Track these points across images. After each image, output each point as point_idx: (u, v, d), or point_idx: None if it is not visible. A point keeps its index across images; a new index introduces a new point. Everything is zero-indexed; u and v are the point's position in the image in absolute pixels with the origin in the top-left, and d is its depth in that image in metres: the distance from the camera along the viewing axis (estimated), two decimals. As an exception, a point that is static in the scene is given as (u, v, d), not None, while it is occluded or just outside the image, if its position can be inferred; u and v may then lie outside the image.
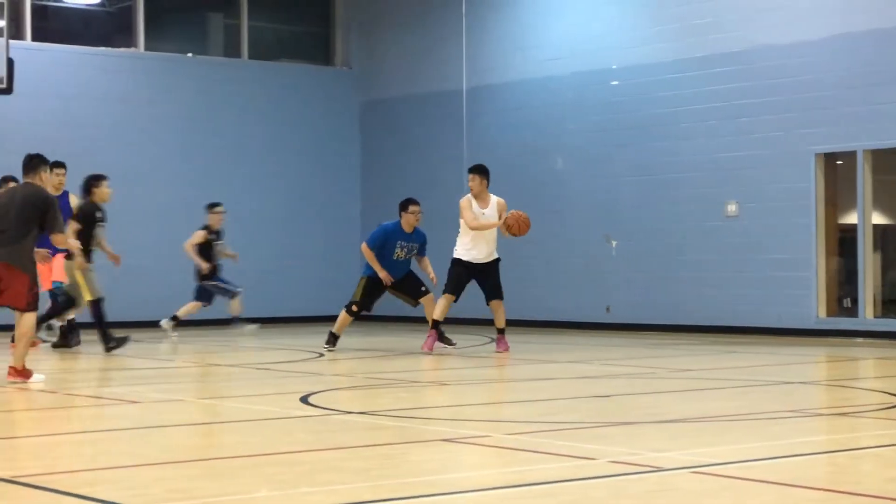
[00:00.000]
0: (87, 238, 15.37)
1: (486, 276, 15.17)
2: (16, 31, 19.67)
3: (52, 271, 16.03)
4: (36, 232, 11.88)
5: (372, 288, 15.38)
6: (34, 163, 12.24)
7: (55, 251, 15.75)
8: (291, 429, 8.87)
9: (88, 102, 20.97)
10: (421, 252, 15.60)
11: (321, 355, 15.00)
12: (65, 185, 16.29)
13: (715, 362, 14.38)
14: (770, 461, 7.14)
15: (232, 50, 23.00)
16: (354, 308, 15.35)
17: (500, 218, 15.01)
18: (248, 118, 22.38)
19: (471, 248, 15.08)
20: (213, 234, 18.37)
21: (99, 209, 15.55)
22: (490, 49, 21.76)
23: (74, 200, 16.16)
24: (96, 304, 15.35)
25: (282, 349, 16.24)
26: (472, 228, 14.94)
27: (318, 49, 24.17)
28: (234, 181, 22.00)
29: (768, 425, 8.91)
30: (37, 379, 11.82)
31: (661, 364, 14.02)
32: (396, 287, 15.53)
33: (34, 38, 20.68)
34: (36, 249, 12.00)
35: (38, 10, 20.95)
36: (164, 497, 6.14)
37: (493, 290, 15.19)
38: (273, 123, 22.65)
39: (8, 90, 16.90)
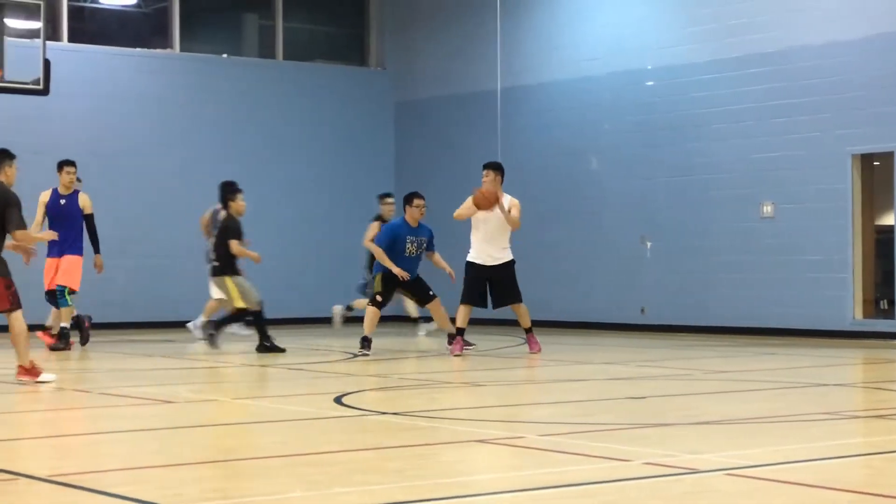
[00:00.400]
0: (228, 249, 15.28)
1: (498, 279, 15.04)
2: (52, 33, 19.77)
3: (58, 272, 15.81)
4: (1, 232, 11.53)
5: (389, 283, 15.29)
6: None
7: (61, 254, 15.71)
8: (325, 429, 8.87)
9: (124, 103, 21.06)
10: (430, 247, 15.52)
11: (355, 356, 15.01)
12: (75, 183, 16.02)
13: (750, 364, 14.31)
14: (806, 463, 7.10)
15: (267, 51, 23.06)
16: (379, 299, 15.23)
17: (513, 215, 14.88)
18: (282, 119, 22.43)
19: (476, 248, 15.02)
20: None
21: (237, 222, 15.40)
22: (525, 49, 21.74)
23: (85, 200, 16.01)
24: (248, 312, 15.26)
25: (316, 350, 16.25)
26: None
27: (352, 49, 24.20)
28: (268, 182, 22.04)
29: (804, 427, 8.86)
30: (46, 378, 11.74)
31: (696, 365, 13.96)
32: (407, 287, 15.46)
33: (70, 40, 20.79)
34: (16, 242, 11.61)
35: (74, 12, 21.05)
36: (199, 497, 6.15)
37: (505, 295, 15.09)
38: (307, 124, 22.69)
39: (45, 91, 16.97)
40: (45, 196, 15.99)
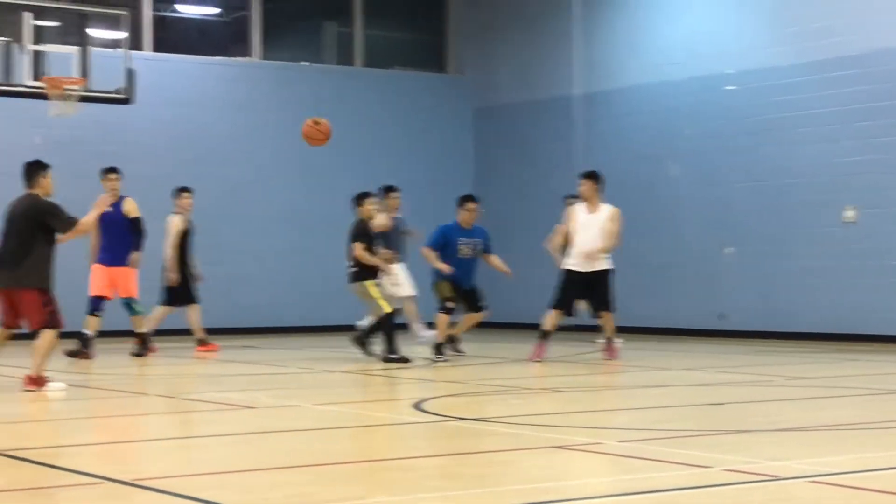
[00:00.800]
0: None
1: (593, 287, 15.07)
2: (136, 43, 20.00)
3: (117, 286, 15.76)
4: (43, 244, 11.57)
5: (453, 288, 15.41)
6: (32, 170, 11.86)
7: (113, 263, 15.65)
8: (405, 435, 8.91)
9: (206, 111, 21.27)
10: (486, 250, 15.60)
11: (434, 362, 15.04)
12: (119, 190, 15.86)
13: (833, 370, 14.17)
14: (891, 471, 7.02)
15: (346, 58, 23.18)
16: (449, 305, 15.36)
17: (614, 225, 14.91)
18: (361, 126, 22.52)
19: (575, 254, 15.04)
20: None
21: (364, 226, 15.40)
22: (604, 54, 21.68)
23: (130, 205, 15.84)
24: (389, 316, 15.13)
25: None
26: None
27: (431, 56, 24.26)
28: (347, 189, 22.09)
29: (889, 435, 8.76)
30: (55, 387, 11.70)
31: (777, 371, 13.85)
32: (461, 295, 15.52)
33: (154, 49, 21.03)
34: (79, 233, 11.75)
35: (157, 22, 21.29)
36: (283, 501, 6.20)
37: (600, 303, 15.14)
38: (386, 131, 22.77)
39: (128, 100, 17.18)
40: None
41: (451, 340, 15.86)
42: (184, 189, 16.93)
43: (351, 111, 22.42)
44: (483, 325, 19.15)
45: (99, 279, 15.78)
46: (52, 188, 11.93)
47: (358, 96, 22.58)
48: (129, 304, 15.91)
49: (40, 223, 11.57)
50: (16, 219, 11.66)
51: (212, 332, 18.01)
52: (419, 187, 22.80)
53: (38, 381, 11.67)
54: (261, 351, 17.18)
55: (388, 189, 17.46)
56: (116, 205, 15.72)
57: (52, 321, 11.61)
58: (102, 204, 12.36)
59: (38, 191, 11.82)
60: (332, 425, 9.56)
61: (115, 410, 10.80)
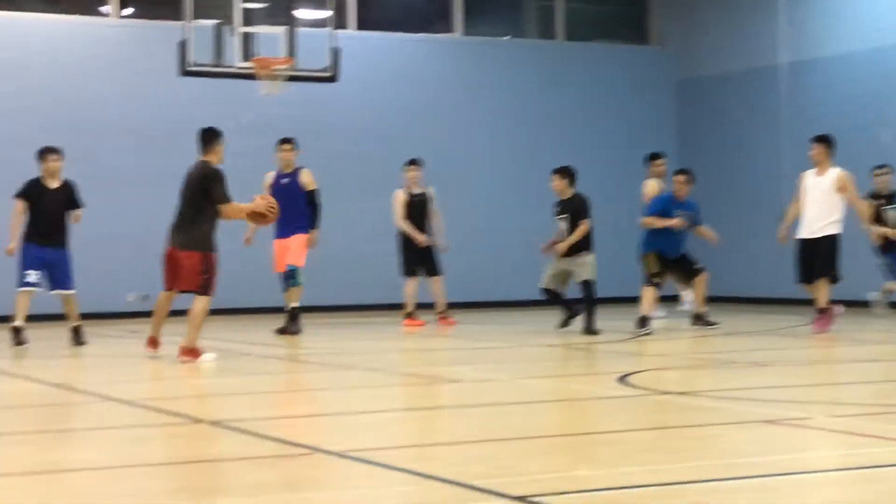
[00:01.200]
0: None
1: (810, 252, 14.75)
2: (340, 21, 20.29)
3: (287, 253, 15.57)
4: (210, 209, 12.03)
5: (661, 261, 15.46)
6: (207, 137, 12.37)
7: (289, 233, 15.42)
8: (610, 409, 8.90)
9: (409, 88, 21.47)
10: (696, 222, 15.72)
11: (639, 336, 14.95)
12: (294, 161, 15.84)
13: None
14: None
15: (547, 32, 23.13)
16: (656, 280, 15.43)
17: (841, 191, 14.62)
18: (563, 100, 22.46)
19: (801, 222, 14.86)
20: (882, 198, 17.42)
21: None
22: (809, 22, 21.19)
23: (307, 176, 15.75)
24: (589, 286, 15.43)
25: (601, 328, 16.23)
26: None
27: (632, 29, 24.05)
28: (550, 163, 22.09)
29: None
30: (207, 358, 12.01)
31: None
32: (673, 265, 15.56)
33: (358, 27, 21.31)
34: (224, 217, 12.10)
35: (361, 0, 21.56)
36: (487, 474, 6.26)
37: (815, 269, 14.73)
38: (588, 104, 22.67)
39: (333, 78, 17.44)
40: (269, 177, 15.91)
41: (699, 318, 15.72)
42: (411, 161, 17.30)
43: (552, 86, 22.39)
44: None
45: (277, 254, 15.74)
46: (223, 157, 12.43)
47: (559, 70, 22.52)
48: (293, 271, 15.49)
49: (204, 189, 12.05)
50: (190, 183, 12.19)
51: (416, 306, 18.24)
52: (620, 162, 22.63)
53: (192, 352, 12.02)
54: (464, 325, 17.30)
55: (412, 162, 17.53)
56: (292, 175, 15.73)
57: (205, 287, 12.04)
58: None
59: (211, 157, 12.30)
60: (535, 399, 9.60)
61: (323, 383, 11.03)
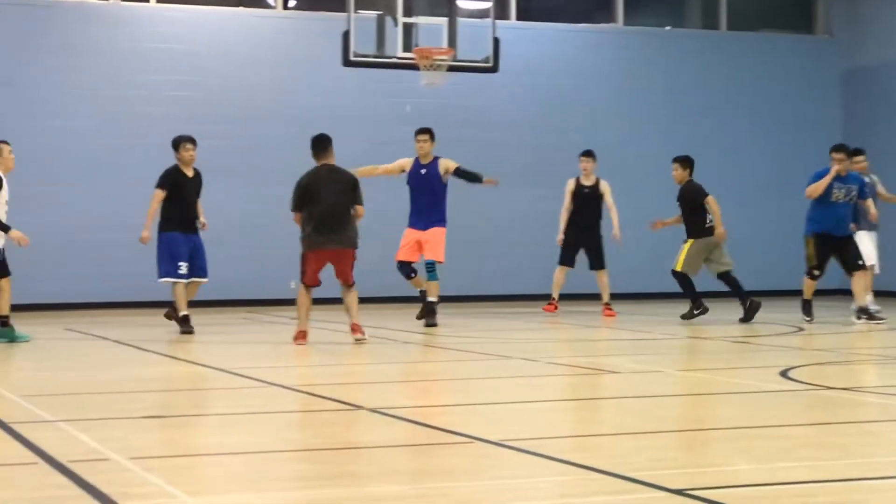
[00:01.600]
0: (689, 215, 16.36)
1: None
2: (501, 12, 20.32)
3: (424, 246, 15.30)
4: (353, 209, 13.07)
5: (821, 246, 15.46)
6: (326, 143, 13.19)
7: (427, 225, 15.26)
8: (770, 403, 8.78)
9: (569, 78, 21.41)
10: (861, 195, 15.67)
11: (801, 329, 14.73)
12: (431, 151, 15.49)
13: None
14: None
15: (710, 21, 22.86)
16: (816, 273, 15.56)
17: None
18: (726, 90, 22.19)
19: None
20: None
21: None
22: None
23: (447, 164, 15.46)
24: (727, 275, 16.15)
25: (761, 322, 16.04)
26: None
27: (798, 17, 23.63)
28: (713, 154, 21.87)
29: None
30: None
31: None
32: (840, 251, 15.53)
33: (518, 18, 21.32)
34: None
35: (522, -10, 21.57)
36: (644, 466, 6.24)
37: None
38: (752, 94, 22.35)
39: (494, 69, 17.49)
40: (406, 163, 15.62)
41: (864, 311, 15.54)
42: (584, 153, 17.61)
43: (715, 76, 22.14)
44: (840, 294, 18.59)
45: (404, 243, 15.50)
46: None
47: (722, 61, 22.25)
48: (432, 265, 15.29)
49: (354, 191, 13.03)
50: (341, 186, 12.98)
51: (577, 297, 18.24)
52: (785, 152, 22.30)
53: (360, 329, 12.99)
54: (624, 317, 17.23)
55: (585, 153, 17.72)
56: (430, 166, 15.47)
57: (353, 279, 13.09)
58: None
59: (334, 161, 13.12)
60: (695, 391, 9.52)
61: (479, 372, 11.08)
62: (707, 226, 16.22)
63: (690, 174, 16.49)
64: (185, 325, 14.33)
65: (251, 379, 10.09)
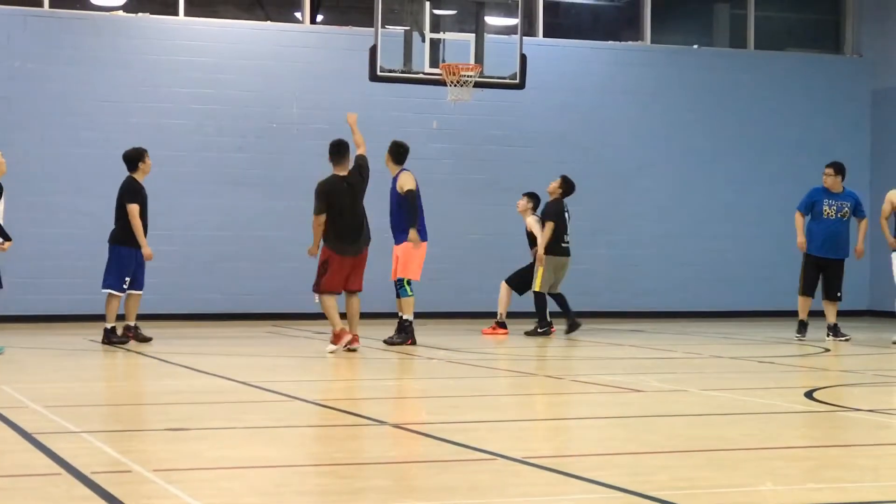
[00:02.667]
0: None
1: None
2: (528, 28, 20.34)
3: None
4: None
5: (809, 268, 16.16)
6: (345, 151, 13.62)
7: (397, 241, 14.72)
8: (796, 424, 8.74)
9: (596, 96, 21.39)
10: (855, 213, 16.10)
11: (827, 350, 14.67)
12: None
13: None
14: None
15: (738, 41, 22.81)
16: (807, 292, 16.20)
17: None
18: (753, 109, 22.13)
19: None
20: None
21: None
22: None
23: (404, 179, 14.72)
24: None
25: (785, 343, 15.97)
26: None
27: (826, 37, 23.58)
28: (738, 172, 21.84)
29: None
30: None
31: None
32: (825, 272, 16.07)
33: (545, 35, 21.32)
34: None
35: (549, 7, 21.56)
36: (669, 485, 6.21)
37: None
38: (779, 114, 22.28)
39: (520, 85, 17.49)
40: None
41: (834, 330, 16.04)
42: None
43: (742, 94, 22.08)
44: (880, 315, 18.52)
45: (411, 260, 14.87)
46: None
47: (750, 79, 22.19)
48: (401, 283, 14.65)
49: (361, 184, 13.61)
50: (359, 191, 13.56)
51: (599, 315, 18.21)
52: (814, 171, 22.20)
53: (358, 339, 13.49)
54: (648, 335, 17.18)
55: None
56: (394, 179, 14.77)
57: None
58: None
59: (349, 168, 13.64)
60: (719, 411, 9.48)
61: (506, 389, 11.06)
62: None
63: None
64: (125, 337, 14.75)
65: (274, 393, 10.09)
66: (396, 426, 8.24)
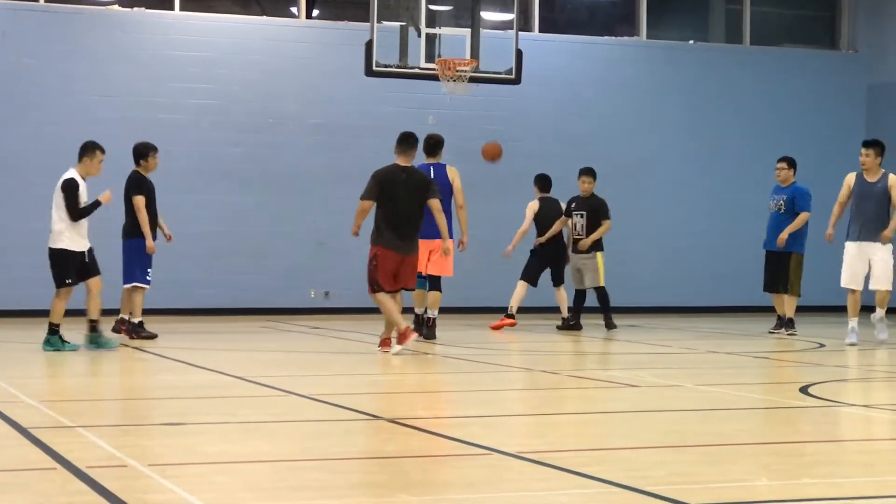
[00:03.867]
0: None
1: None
2: (524, 24, 20.33)
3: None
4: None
5: (765, 263, 16.43)
6: (414, 143, 13.00)
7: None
8: (791, 419, 8.75)
9: (592, 91, 21.39)
10: (792, 207, 16.20)
11: (821, 345, 14.68)
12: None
13: None
14: None
15: (734, 36, 22.82)
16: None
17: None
18: (749, 105, 22.14)
19: None
20: None
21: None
22: None
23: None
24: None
25: (780, 338, 15.98)
26: None
27: (822, 33, 23.59)
28: (734, 168, 21.86)
29: None
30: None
31: None
32: (772, 263, 16.26)
33: (541, 30, 21.31)
34: None
35: (545, 2, 21.55)
36: (664, 480, 6.22)
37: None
38: (775, 109, 22.29)
39: (516, 80, 17.48)
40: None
41: (788, 323, 16.19)
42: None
43: (738, 90, 22.09)
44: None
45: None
46: None
47: (746, 75, 22.20)
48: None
49: (427, 194, 12.75)
50: (417, 188, 12.70)
51: (594, 311, 18.17)
52: (808, 167, 22.20)
53: (406, 335, 12.63)
54: (645, 330, 17.19)
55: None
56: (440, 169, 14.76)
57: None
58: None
59: (412, 162, 12.94)
60: (714, 406, 9.48)
61: (502, 384, 11.06)
62: None
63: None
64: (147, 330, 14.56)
65: (270, 388, 10.09)
66: (392, 421, 8.24)
